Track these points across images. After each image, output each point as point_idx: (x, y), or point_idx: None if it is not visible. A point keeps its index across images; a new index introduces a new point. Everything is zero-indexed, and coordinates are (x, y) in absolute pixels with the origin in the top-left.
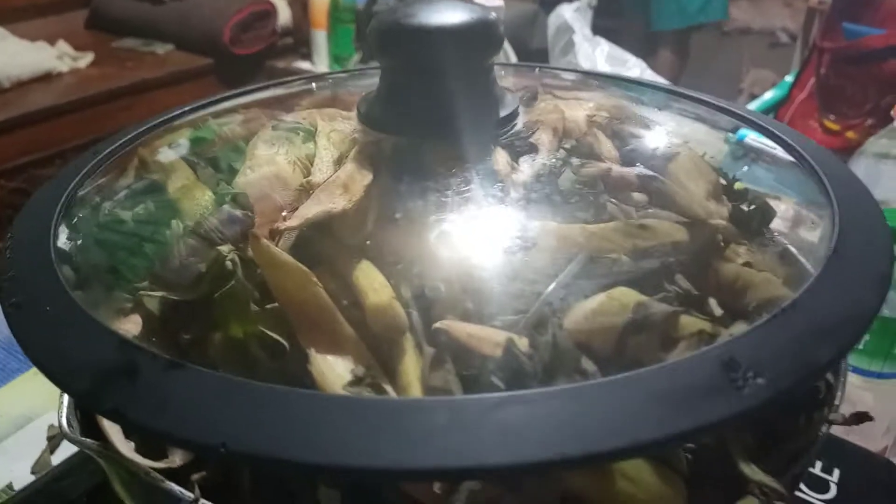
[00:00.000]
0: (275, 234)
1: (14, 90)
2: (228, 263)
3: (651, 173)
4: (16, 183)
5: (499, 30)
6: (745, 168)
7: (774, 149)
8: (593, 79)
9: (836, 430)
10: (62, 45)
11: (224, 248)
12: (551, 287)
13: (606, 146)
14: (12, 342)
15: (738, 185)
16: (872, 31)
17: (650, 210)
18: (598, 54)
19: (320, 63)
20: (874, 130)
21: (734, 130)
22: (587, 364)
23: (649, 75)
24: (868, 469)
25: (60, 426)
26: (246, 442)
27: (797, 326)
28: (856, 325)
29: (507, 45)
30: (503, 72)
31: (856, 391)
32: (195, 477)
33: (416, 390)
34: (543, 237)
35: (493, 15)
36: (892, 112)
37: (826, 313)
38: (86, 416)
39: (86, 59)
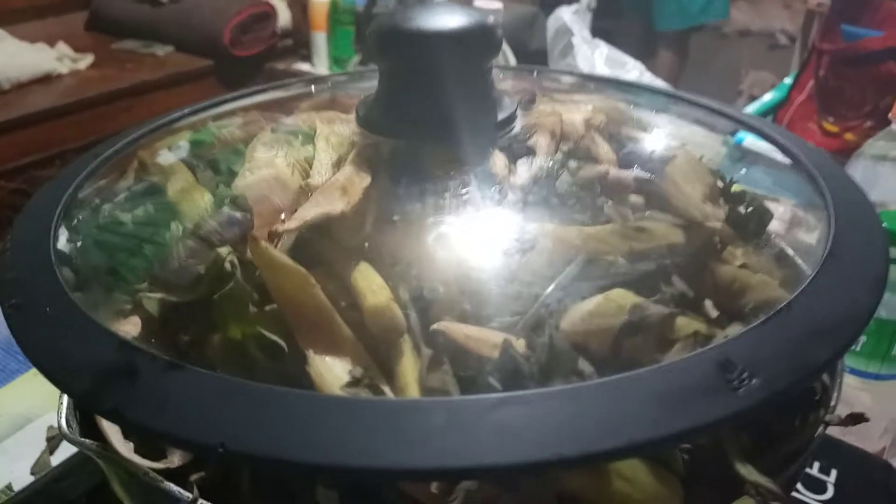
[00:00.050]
0: (274, 236)
1: (14, 92)
2: (227, 265)
3: (648, 176)
4: (15, 184)
5: (497, 34)
6: (743, 171)
7: (771, 152)
8: (591, 82)
9: (834, 431)
10: (62, 47)
11: (223, 250)
12: (549, 289)
13: (604, 149)
14: (12, 343)
15: (735, 188)
16: (871, 33)
17: (647, 213)
18: (597, 56)
19: (320, 65)
20: (873, 132)
21: (731, 133)
22: (584, 365)
23: (648, 77)
24: (865, 470)
25: (60, 427)
26: (244, 442)
27: (793, 328)
28: (851, 327)
29: (506, 47)
30: (502, 75)
31: (853, 392)
32: (194, 477)
33: (413, 391)
34: (541, 239)
35: (492, 19)
36: (889, 115)
37: (822, 315)
38: (85, 417)
39: (85, 60)
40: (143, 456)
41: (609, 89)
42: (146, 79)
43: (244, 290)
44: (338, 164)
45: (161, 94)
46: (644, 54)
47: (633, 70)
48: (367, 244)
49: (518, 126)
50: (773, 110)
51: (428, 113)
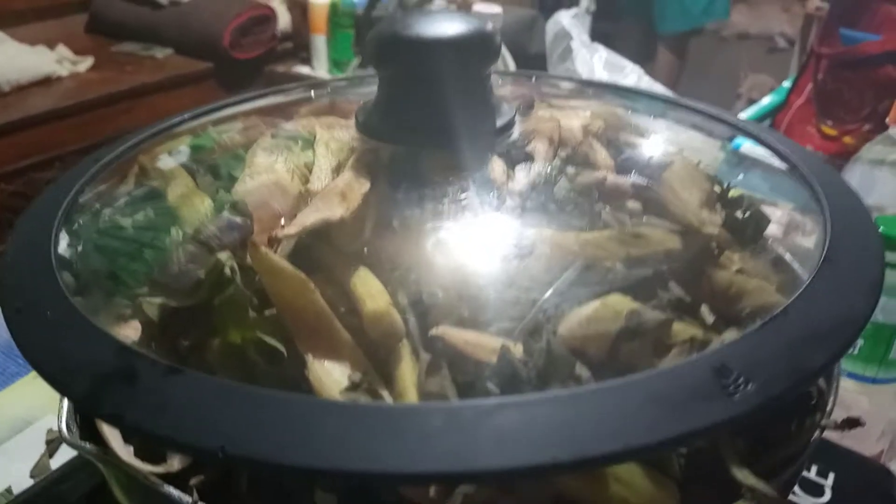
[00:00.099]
0: (273, 242)
1: (14, 94)
2: (227, 270)
3: (645, 182)
4: (15, 186)
5: (496, 41)
6: (740, 176)
7: (768, 157)
8: (589, 87)
9: (831, 435)
10: (62, 50)
11: (223, 255)
12: (546, 294)
13: (601, 155)
14: (11, 346)
15: (733, 192)
16: (869, 37)
17: (644, 218)
18: (596, 60)
19: (320, 67)
20: (871, 136)
21: (729, 139)
22: (581, 370)
23: (647, 81)
24: (863, 474)
25: (60, 431)
26: (244, 446)
27: (789, 333)
28: (847, 332)
29: (505, 51)
30: (500, 80)
31: (851, 396)
32: (194, 481)
33: (412, 396)
34: (539, 245)
35: (491, 26)
36: (886, 120)
37: (817, 320)
38: (85, 421)
39: (85, 63)
40: (143, 459)
41: (607, 95)
42: (146, 81)
43: (244, 294)
44: (337, 170)
45: (161, 96)
46: (643, 57)
47: (631, 74)
48: (366, 249)
49: (516, 132)
50: (772, 113)
51: (427, 119)
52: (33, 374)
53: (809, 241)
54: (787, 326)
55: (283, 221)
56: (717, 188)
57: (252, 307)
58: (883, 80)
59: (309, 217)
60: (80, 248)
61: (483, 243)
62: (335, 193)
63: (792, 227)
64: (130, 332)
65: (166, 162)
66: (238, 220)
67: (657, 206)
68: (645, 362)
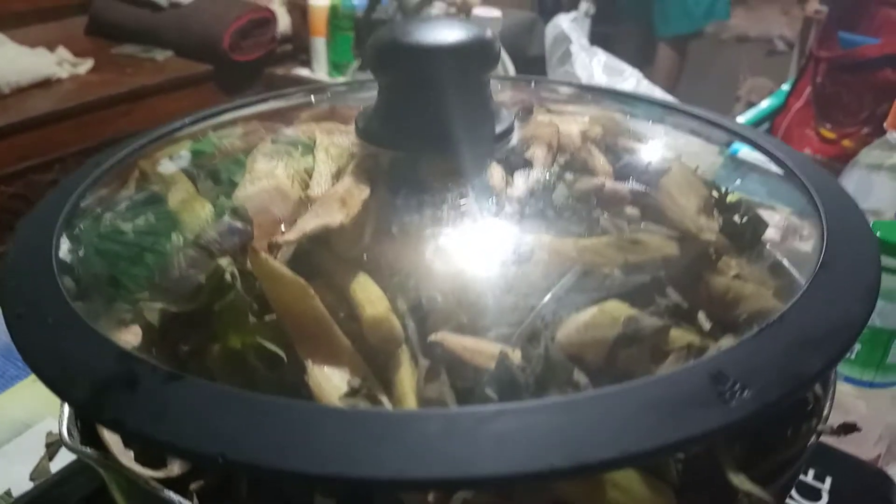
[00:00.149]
0: (273, 247)
1: (13, 96)
2: (227, 275)
3: (643, 188)
4: (15, 188)
5: (495, 47)
6: (738, 181)
7: (765, 162)
8: (588, 92)
9: (829, 439)
10: (62, 52)
11: (223, 260)
12: (545, 300)
13: (600, 161)
14: (11, 349)
15: (731, 197)
16: (868, 41)
17: (642, 224)
18: (595, 64)
19: (319, 70)
20: (870, 139)
21: (727, 144)
22: (579, 376)
23: (645, 85)
24: (860, 477)
25: (61, 435)
26: (244, 452)
27: (785, 339)
28: (843, 337)
29: (504, 55)
30: (499, 85)
31: (848, 400)
32: (194, 486)
33: (411, 402)
34: (537, 251)
35: (490, 32)
36: (885, 124)
37: (814, 326)
38: (86, 426)
39: (85, 65)
40: (143, 464)
41: (605, 100)
42: (146, 83)
43: (244, 300)
44: (337, 176)
45: (160, 98)
46: (642, 61)
47: (630, 77)
48: (365, 255)
49: (515, 138)
50: (771, 117)
51: (426, 125)
52: (33, 377)
53: (807, 245)
54: (783, 332)
55: (283, 227)
56: (714, 193)
57: (252, 312)
58: (881, 84)
59: (309, 223)
60: (80, 253)
61: (482, 249)
62: (335, 199)
63: (790, 232)
64: (131, 336)
65: (167, 167)
66: (238, 225)
67: (655, 212)
68: (642, 369)
